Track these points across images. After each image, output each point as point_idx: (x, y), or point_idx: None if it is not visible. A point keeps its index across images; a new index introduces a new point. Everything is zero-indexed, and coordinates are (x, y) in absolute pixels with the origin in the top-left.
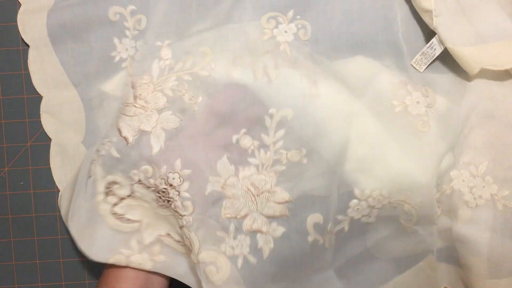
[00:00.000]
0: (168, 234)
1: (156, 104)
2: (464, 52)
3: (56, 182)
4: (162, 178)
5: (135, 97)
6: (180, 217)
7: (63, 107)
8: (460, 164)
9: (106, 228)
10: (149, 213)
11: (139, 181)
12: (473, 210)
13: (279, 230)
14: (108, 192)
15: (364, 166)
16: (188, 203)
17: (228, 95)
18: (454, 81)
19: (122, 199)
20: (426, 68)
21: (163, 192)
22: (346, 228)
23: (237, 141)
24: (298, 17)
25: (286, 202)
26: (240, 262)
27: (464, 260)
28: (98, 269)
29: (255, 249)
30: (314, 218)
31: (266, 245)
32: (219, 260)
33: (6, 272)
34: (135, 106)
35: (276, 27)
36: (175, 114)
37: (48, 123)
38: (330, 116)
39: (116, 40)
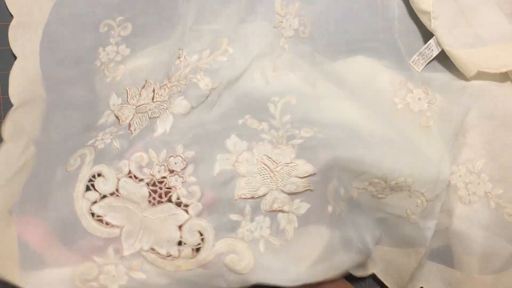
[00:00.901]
0: (152, 249)
1: (172, 96)
2: (461, 55)
3: None
4: (161, 165)
5: (153, 98)
6: (185, 208)
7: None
8: (458, 161)
9: (80, 229)
10: (133, 219)
11: (129, 173)
12: (467, 206)
13: (304, 207)
14: (89, 185)
15: (374, 166)
16: (194, 188)
17: None
18: (453, 80)
19: (103, 196)
20: (424, 67)
21: (161, 182)
22: (355, 195)
23: (243, 123)
24: (302, 12)
25: (310, 175)
26: (261, 246)
27: (457, 256)
28: None
29: (276, 231)
30: (332, 186)
31: (289, 224)
32: (239, 247)
33: None
34: (152, 103)
35: (285, 16)
36: (187, 100)
37: (7, 129)
38: (330, 119)
39: (100, 49)
